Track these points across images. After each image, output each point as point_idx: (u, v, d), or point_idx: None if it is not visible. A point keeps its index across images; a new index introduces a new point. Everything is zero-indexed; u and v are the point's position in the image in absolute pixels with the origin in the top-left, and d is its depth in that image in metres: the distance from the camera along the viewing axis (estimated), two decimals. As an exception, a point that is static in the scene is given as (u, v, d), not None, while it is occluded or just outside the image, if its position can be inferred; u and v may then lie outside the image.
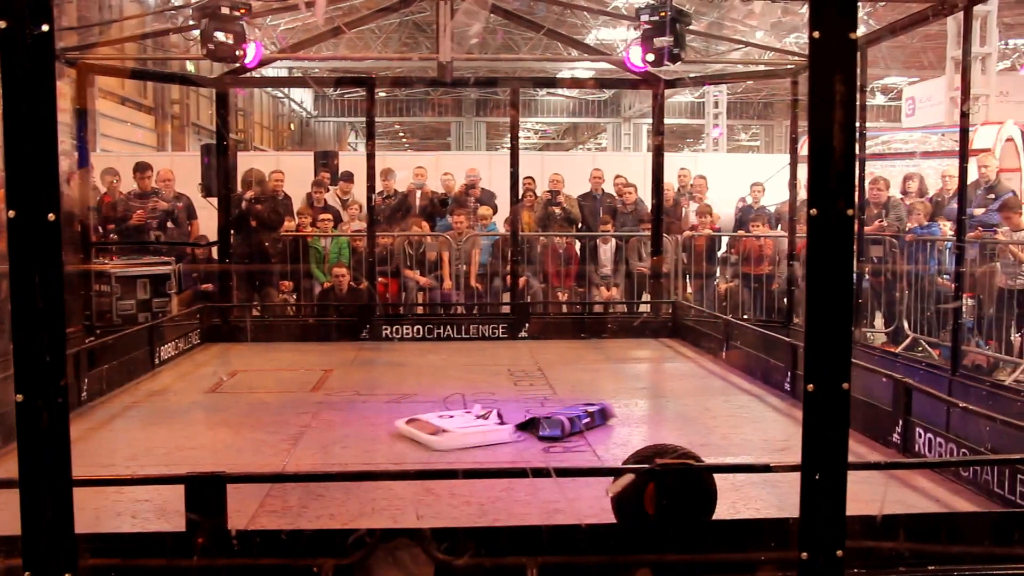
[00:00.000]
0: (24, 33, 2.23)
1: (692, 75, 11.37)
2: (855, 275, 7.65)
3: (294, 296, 11.52)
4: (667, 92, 11.44)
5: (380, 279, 11.05)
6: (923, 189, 11.63)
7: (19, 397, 2.35)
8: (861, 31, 2.41)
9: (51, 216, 2.32)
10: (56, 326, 2.36)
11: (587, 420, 6.06)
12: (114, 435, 6.18)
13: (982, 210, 9.80)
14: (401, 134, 44.28)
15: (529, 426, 5.97)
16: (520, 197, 11.27)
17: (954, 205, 8.24)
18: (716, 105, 29.90)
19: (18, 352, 2.34)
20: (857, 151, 2.72)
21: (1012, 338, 9.13)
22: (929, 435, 5.37)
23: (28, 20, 2.23)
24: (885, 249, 10.49)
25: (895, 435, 5.65)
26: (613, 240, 11.91)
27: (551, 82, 24.86)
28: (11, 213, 2.31)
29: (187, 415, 6.40)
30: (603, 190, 12.75)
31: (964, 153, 7.00)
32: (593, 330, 10.42)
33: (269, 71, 15.53)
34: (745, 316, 10.99)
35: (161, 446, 5.78)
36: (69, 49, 9.28)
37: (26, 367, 2.34)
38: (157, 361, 8.52)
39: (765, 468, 3.70)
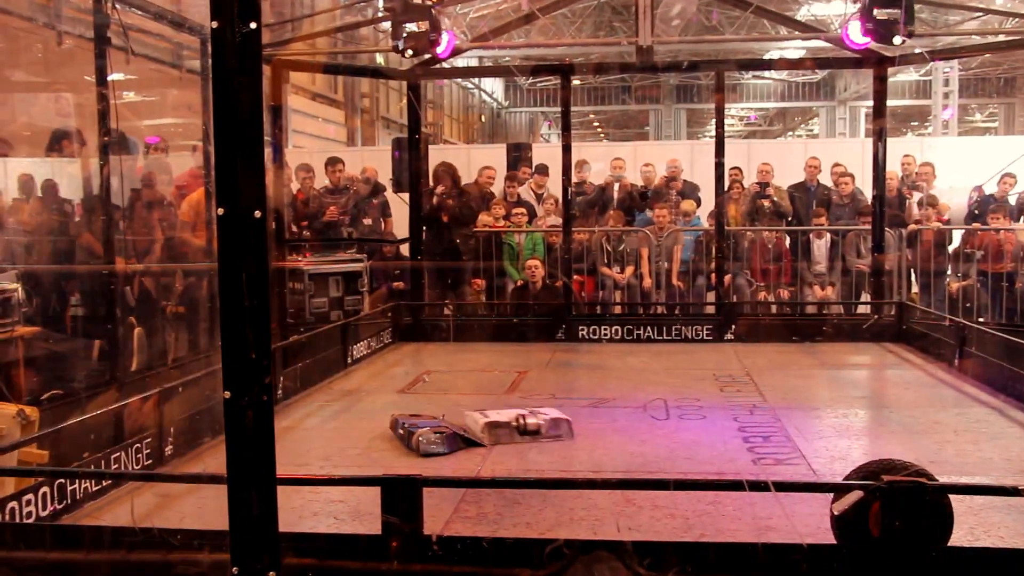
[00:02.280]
0: (234, 31, 2.38)
1: (920, 50, 10.79)
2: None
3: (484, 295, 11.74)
4: (891, 70, 10.93)
5: (576, 277, 11.11)
6: None
7: (226, 394, 2.50)
8: None
9: (257, 213, 2.46)
10: (262, 324, 2.50)
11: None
12: (308, 434, 6.49)
13: None
14: (596, 123, 44.31)
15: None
16: (726, 189, 11.09)
17: None
18: (946, 83, 28.33)
19: (226, 349, 2.49)
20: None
21: None
22: None
23: (237, 19, 2.38)
24: None
25: None
26: (828, 235, 11.53)
27: (760, 64, 24.14)
28: (220, 210, 2.46)
29: (380, 415, 6.64)
30: (818, 181, 12.34)
31: None
32: (806, 333, 10.11)
33: (459, 61, 15.83)
34: (981, 319, 10.41)
35: (354, 447, 6.03)
36: (264, 46, 9.81)
37: (233, 365, 2.49)
38: (350, 360, 8.89)
39: (1013, 491, 3.50)
